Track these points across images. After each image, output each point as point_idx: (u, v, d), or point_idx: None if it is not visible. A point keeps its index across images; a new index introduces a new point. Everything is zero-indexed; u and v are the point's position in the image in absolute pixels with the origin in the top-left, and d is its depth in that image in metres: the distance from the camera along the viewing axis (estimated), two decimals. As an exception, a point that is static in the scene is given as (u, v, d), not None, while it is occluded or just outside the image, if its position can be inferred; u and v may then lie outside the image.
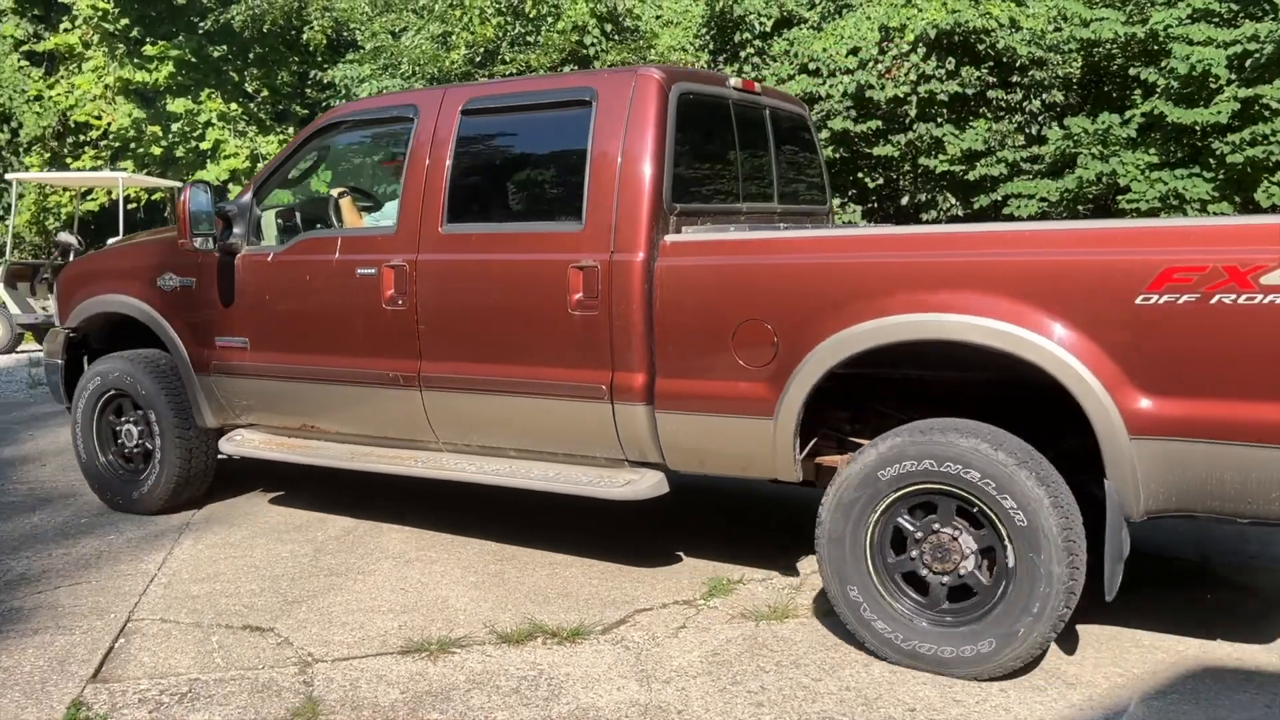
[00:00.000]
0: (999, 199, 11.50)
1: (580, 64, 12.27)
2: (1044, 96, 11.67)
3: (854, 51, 11.68)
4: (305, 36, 15.03)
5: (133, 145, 20.04)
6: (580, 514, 5.23)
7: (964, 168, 11.62)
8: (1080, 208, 11.28)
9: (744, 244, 4.14)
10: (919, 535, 3.62)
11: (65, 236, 15.64)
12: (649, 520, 5.25)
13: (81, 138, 19.72)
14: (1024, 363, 3.42)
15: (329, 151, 5.89)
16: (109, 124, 18.73)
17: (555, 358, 4.32)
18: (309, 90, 20.12)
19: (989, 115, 11.72)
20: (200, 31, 18.89)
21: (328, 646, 3.91)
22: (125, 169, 19.11)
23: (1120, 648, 3.76)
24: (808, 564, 4.67)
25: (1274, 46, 10.12)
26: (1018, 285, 3.43)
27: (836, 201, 12.02)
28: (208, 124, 19.71)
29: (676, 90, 4.29)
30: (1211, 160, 10.61)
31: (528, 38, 12.41)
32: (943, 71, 11.42)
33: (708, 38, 12.89)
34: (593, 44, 12.16)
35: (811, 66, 11.78)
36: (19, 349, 14.69)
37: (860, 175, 12.64)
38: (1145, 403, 3.29)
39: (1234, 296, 3.14)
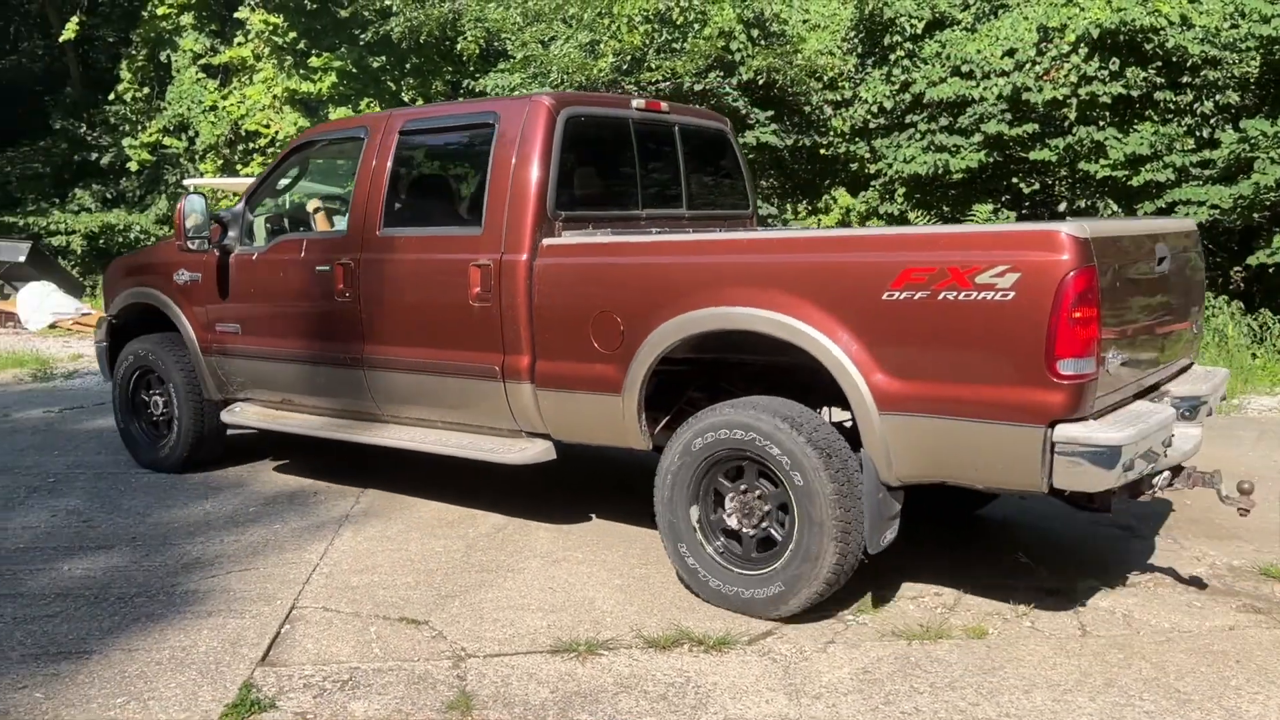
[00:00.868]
0: (1164, 205, 10.91)
1: (726, 70, 12.24)
2: (1217, 98, 11.00)
3: (1010, 53, 11.29)
4: (459, 47, 15.44)
5: (297, 152, 20.95)
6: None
7: (1127, 173, 11.07)
8: (1256, 215, 10.59)
9: (600, 246, 4.79)
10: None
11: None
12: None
13: (251, 145, 20.76)
14: (796, 348, 3.98)
15: (309, 165, 6.78)
16: (276, 132, 19.66)
17: (462, 343, 5.04)
18: (461, 98, 20.74)
19: (1155, 118, 11.14)
20: (361, 43, 19.69)
21: (480, 642, 4.00)
22: (289, 175, 20.00)
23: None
24: (957, 585, 4.53)
25: None
26: (793, 283, 4.03)
27: (989, 208, 11.64)
28: (367, 131, 20.43)
29: (565, 114, 4.94)
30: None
31: (674, 44, 12.44)
32: (1106, 73, 10.92)
33: (856, 41, 12.68)
34: (739, 49, 12.11)
35: (964, 69, 11.45)
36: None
37: (1015, 180, 12.21)
38: (891, 383, 3.80)
39: (955, 293, 3.63)
